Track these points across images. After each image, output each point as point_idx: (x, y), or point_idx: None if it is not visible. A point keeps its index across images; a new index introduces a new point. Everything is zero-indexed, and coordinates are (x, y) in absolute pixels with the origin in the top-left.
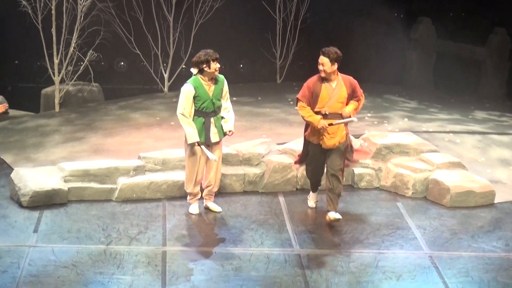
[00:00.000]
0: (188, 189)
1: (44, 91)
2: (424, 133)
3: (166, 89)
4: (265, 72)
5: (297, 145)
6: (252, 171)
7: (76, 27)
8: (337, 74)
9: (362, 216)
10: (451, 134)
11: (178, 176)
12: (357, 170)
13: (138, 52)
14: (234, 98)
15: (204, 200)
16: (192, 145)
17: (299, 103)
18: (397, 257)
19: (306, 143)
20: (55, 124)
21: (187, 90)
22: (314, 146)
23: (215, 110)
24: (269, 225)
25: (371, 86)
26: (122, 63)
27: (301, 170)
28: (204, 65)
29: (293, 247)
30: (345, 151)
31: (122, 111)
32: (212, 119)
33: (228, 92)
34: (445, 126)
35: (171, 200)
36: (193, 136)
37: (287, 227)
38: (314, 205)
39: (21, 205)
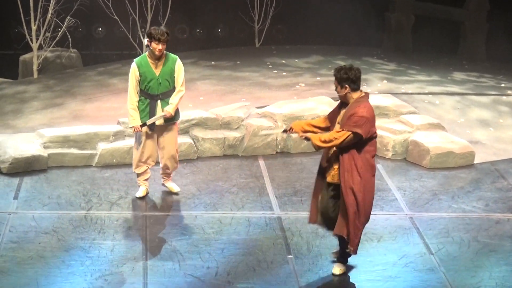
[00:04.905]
0: (133, 169)
1: (22, 57)
2: (403, 94)
3: None
4: (244, 36)
5: (277, 108)
6: (231, 135)
7: None
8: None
9: None
10: (430, 96)
11: None
12: None
13: (116, 17)
14: (212, 63)
15: (162, 180)
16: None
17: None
18: (378, 218)
19: None
20: (33, 90)
21: (131, 68)
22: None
23: (164, 93)
24: (250, 189)
25: (350, 49)
26: (100, 29)
27: (280, 133)
28: (148, 41)
29: (273, 210)
30: None
31: (100, 76)
32: (158, 102)
33: (182, 76)
34: (424, 87)
35: None
36: (134, 119)
37: (267, 190)
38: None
39: (0, 172)
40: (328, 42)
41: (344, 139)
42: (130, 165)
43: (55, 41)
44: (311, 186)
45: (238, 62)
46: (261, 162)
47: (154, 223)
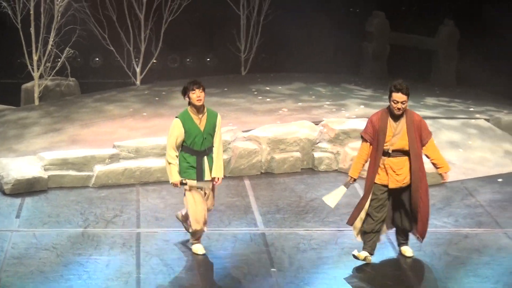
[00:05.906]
0: (193, 227)
1: (24, 86)
2: None
3: (138, 82)
4: (231, 65)
5: (261, 132)
6: None
7: (53, 26)
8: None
9: (322, 196)
10: None
11: (151, 163)
12: (317, 154)
13: (112, 48)
14: None
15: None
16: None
17: (362, 142)
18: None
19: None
20: (35, 116)
21: (173, 124)
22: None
23: (209, 147)
24: (236, 207)
25: (329, 76)
26: (97, 59)
27: (264, 155)
28: (186, 97)
29: (258, 226)
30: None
31: (97, 103)
32: (205, 158)
33: (220, 132)
34: None
35: (144, 185)
36: (174, 176)
37: (252, 208)
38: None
39: (4, 193)
40: (309, 70)
41: None
42: (124, 185)
43: (55, 71)
44: (293, 204)
45: (226, 89)
46: (247, 182)
47: (147, 240)
